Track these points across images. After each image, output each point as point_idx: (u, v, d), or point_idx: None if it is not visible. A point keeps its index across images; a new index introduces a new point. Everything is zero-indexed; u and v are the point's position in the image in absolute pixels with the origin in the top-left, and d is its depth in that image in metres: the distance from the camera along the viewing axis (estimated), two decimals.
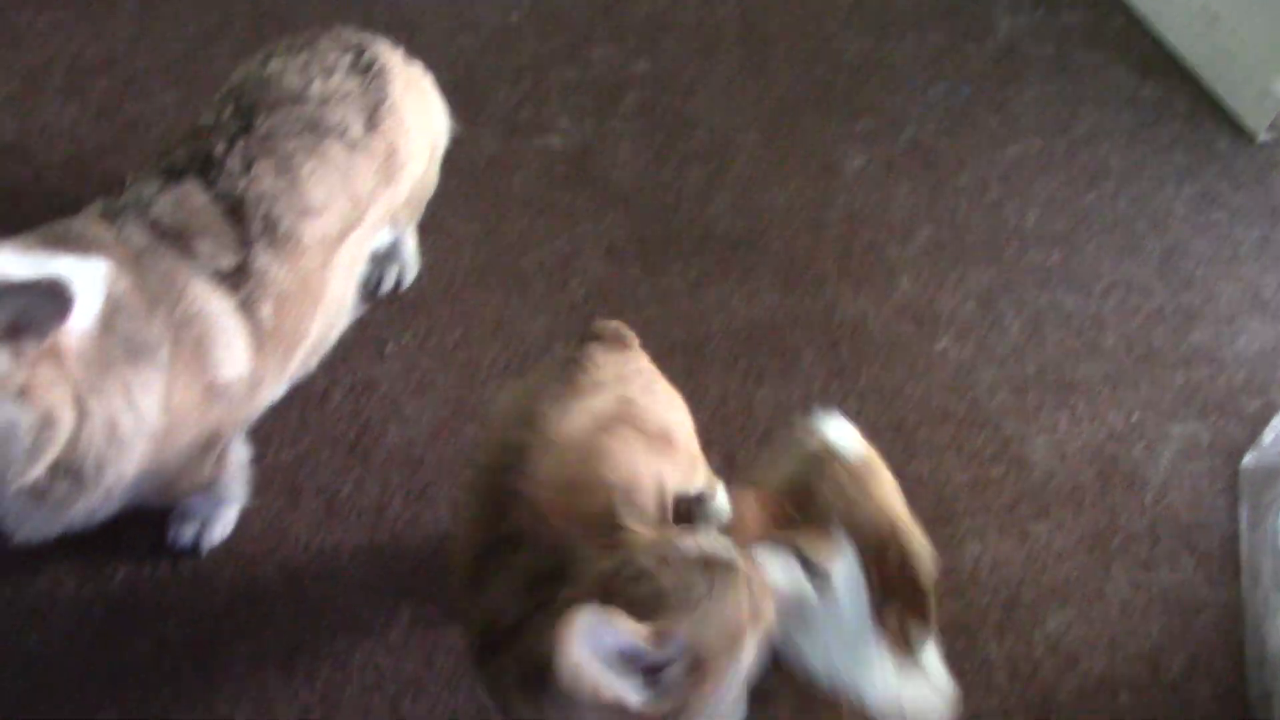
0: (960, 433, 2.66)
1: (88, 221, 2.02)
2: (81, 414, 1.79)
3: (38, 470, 1.79)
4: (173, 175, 2.10)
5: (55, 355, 1.73)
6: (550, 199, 3.00)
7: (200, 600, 2.35)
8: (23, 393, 1.68)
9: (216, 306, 2.02)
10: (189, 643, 2.31)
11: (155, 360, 1.90)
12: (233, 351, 2.05)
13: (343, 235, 2.24)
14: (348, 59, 2.30)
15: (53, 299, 1.64)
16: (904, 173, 3.13)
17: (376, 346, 2.72)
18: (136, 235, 1.99)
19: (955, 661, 2.30)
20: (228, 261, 2.05)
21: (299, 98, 2.21)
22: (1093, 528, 2.54)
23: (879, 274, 2.92)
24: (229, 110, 2.20)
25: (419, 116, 2.40)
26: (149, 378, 1.89)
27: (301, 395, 2.60)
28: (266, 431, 2.56)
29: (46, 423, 1.73)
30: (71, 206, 2.84)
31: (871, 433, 2.59)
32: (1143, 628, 2.42)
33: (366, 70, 2.30)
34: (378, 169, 2.26)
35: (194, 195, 2.07)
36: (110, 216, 2.03)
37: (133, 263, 1.95)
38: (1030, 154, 3.20)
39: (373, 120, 2.25)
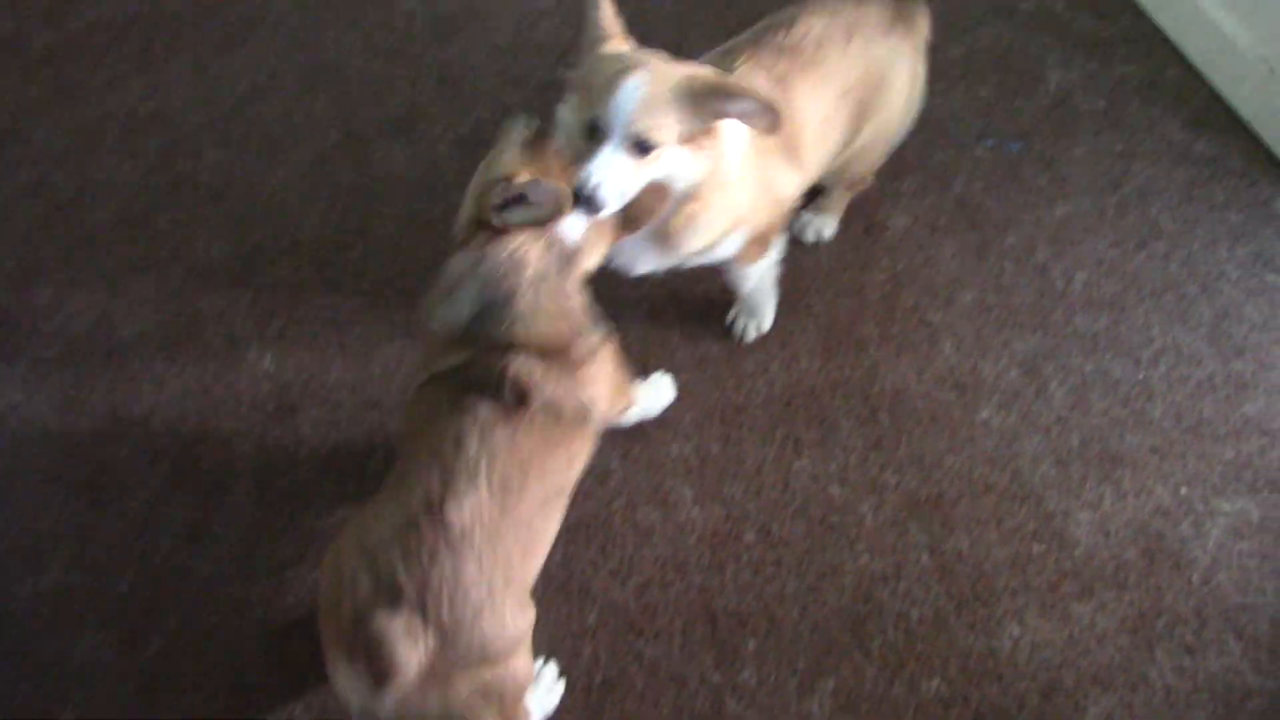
0: (1001, 507, 2.62)
1: None
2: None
3: None
4: None
5: None
6: None
7: None
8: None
9: None
10: None
11: None
12: None
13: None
14: None
15: None
16: (949, 232, 3.09)
17: None
18: None
19: None
20: None
21: None
22: (1137, 609, 2.48)
23: (921, 339, 2.88)
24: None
25: None
26: None
27: (336, 466, 2.62)
28: None
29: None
30: (123, 266, 2.93)
31: (910, 505, 2.60)
32: (1188, 716, 2.36)
33: None
34: None
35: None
36: None
37: None
38: (1079, 213, 3.14)
39: None
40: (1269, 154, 3.27)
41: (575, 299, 2.09)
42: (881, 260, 3.02)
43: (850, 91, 2.53)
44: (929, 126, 3.29)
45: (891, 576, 2.51)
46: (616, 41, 2.21)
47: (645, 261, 2.45)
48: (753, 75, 2.40)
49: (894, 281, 2.98)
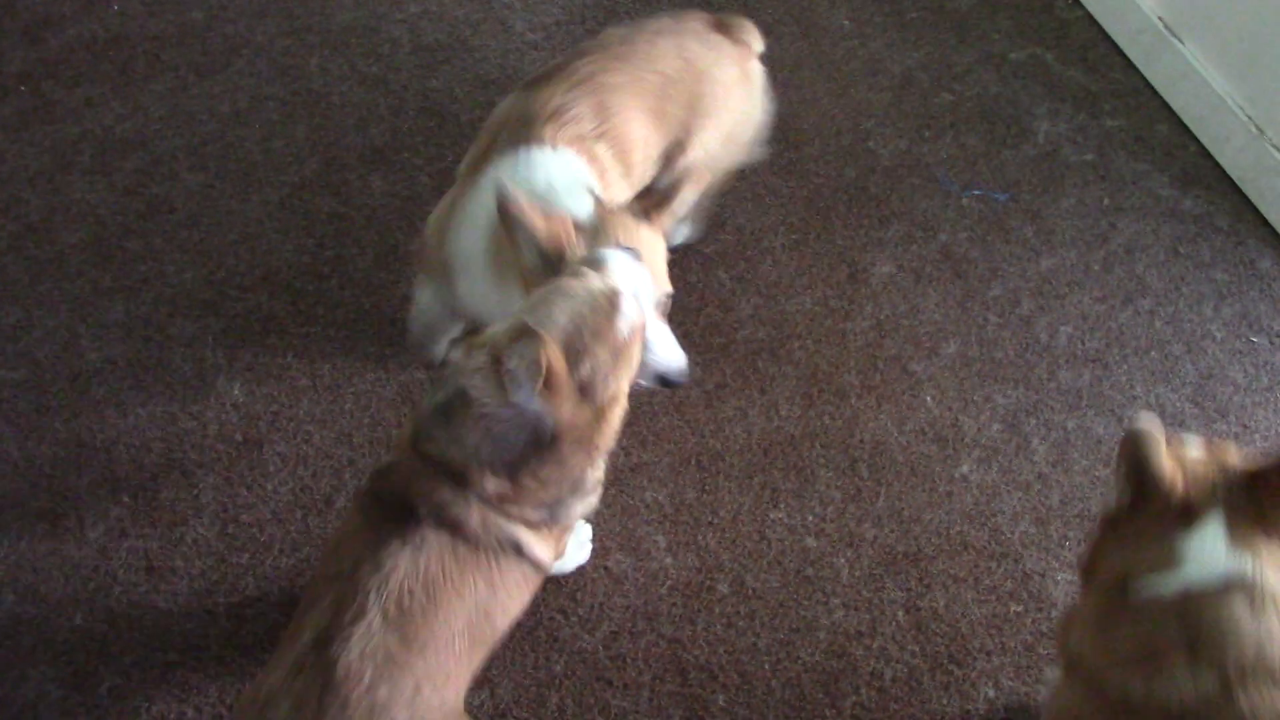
0: (979, 564, 2.57)
1: None
2: None
3: None
4: None
5: None
6: None
7: None
8: None
9: None
10: None
11: None
12: None
13: None
14: None
15: None
16: (933, 282, 3.06)
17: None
18: None
19: None
20: None
21: None
22: None
23: (902, 390, 2.84)
24: None
25: None
26: None
27: (303, 502, 2.57)
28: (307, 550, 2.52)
29: None
30: (93, 289, 2.87)
31: (887, 560, 2.55)
32: None
33: None
34: None
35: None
36: None
37: None
38: (1065, 266, 3.12)
39: None
40: (1256, 213, 3.25)
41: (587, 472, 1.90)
42: (865, 308, 2.99)
43: (672, 85, 2.50)
44: (915, 173, 3.28)
45: (866, 633, 2.46)
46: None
47: None
48: (580, 95, 2.36)
49: (877, 330, 2.95)
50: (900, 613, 2.49)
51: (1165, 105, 3.53)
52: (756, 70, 2.69)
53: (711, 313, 2.95)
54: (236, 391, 2.75)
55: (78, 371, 2.77)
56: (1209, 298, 3.07)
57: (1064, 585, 2.55)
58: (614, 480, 2.64)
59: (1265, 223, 3.24)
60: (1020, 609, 2.51)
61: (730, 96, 2.61)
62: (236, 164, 3.20)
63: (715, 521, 2.60)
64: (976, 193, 3.25)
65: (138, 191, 3.13)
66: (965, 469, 2.72)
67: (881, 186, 3.25)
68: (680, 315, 2.92)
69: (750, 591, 2.51)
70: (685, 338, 2.85)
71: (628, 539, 2.56)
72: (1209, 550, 1.63)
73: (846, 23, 3.71)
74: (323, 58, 3.49)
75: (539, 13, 3.66)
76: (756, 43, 2.66)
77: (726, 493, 2.65)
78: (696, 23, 2.60)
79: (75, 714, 2.30)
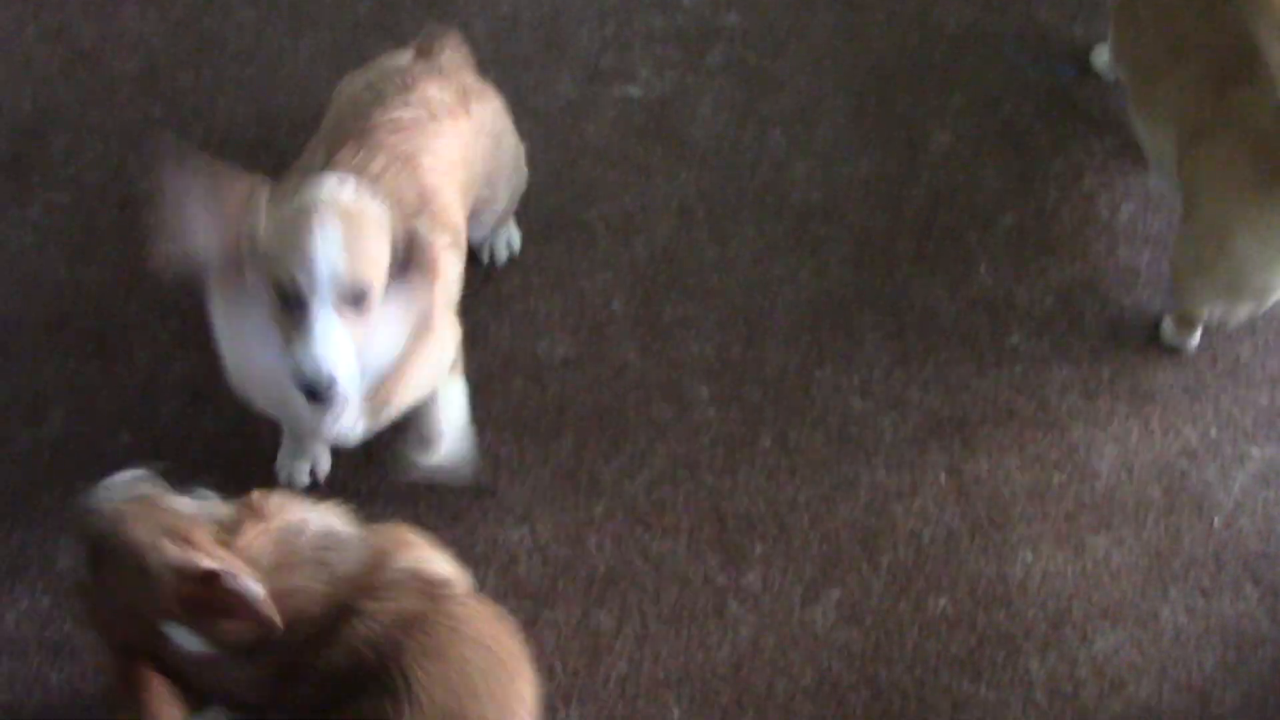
0: (1024, 433, 2.55)
1: None
2: None
3: None
4: None
5: None
6: (624, 151, 2.91)
7: None
8: None
9: None
10: None
11: None
12: None
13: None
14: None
15: None
16: (993, 154, 2.98)
17: None
18: None
19: (993, 674, 2.24)
20: None
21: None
22: (1153, 547, 2.42)
23: (956, 259, 2.80)
24: None
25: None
26: None
27: None
28: None
29: None
30: (143, 120, 2.85)
31: (932, 424, 2.53)
32: (1196, 658, 2.31)
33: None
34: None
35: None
36: None
37: None
38: (1132, 144, 3.01)
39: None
40: None
41: None
42: (921, 176, 2.93)
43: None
44: (982, 44, 3.19)
45: (907, 494, 2.46)
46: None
47: (359, 430, 2.07)
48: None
49: (933, 199, 2.89)
50: (942, 475, 2.49)
51: None
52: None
53: (765, 173, 2.90)
54: None
55: (126, 199, 2.77)
56: None
57: (1109, 459, 2.53)
58: (659, 331, 2.63)
59: None
60: (1064, 478, 2.50)
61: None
62: (290, 3, 3.15)
63: (760, 377, 2.59)
64: (1043, 66, 3.16)
65: (190, 24, 3.09)
66: (1016, 340, 2.68)
67: (945, 56, 3.16)
68: (733, 174, 2.88)
69: (793, 446, 2.50)
70: (738, 195, 2.82)
71: (671, 389, 2.56)
72: None
73: None
74: None
75: None
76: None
77: (773, 350, 2.63)
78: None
79: None
